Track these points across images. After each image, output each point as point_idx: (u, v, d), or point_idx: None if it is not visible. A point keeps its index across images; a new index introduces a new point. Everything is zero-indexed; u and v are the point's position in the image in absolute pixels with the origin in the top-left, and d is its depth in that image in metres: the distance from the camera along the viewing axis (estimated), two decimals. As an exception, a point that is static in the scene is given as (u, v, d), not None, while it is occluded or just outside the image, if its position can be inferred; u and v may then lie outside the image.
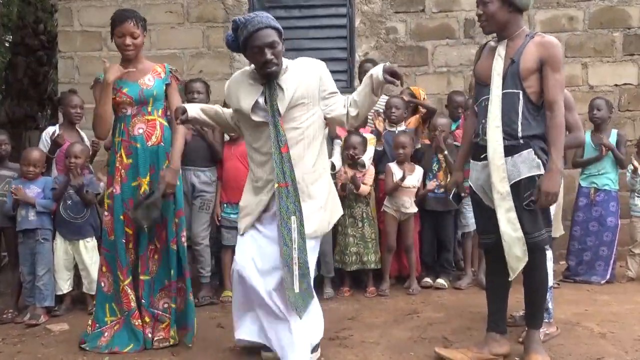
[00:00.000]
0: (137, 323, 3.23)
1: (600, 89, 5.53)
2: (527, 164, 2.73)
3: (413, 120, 4.83)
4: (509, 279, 2.82)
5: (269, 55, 2.75)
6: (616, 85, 5.59)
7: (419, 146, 4.64)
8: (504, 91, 2.76)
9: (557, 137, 2.70)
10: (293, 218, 2.76)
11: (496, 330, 2.92)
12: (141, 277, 3.28)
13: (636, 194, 4.71)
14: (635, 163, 4.62)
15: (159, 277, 3.33)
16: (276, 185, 2.78)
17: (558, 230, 4.42)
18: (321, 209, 2.88)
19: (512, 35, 2.81)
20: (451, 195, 3.65)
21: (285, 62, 2.88)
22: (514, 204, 2.72)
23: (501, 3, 2.75)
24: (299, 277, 2.75)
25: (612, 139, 4.65)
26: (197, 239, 4.29)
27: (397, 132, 4.57)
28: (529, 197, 2.71)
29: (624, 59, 5.58)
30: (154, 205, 3.14)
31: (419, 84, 5.65)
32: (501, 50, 2.81)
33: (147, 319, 3.27)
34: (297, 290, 2.75)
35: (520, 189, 2.72)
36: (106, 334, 3.26)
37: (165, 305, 3.33)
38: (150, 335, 3.25)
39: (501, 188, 2.73)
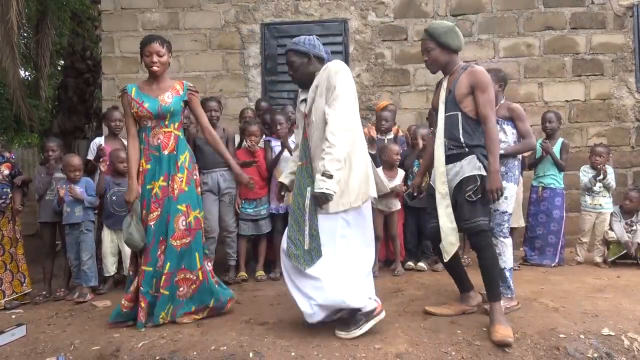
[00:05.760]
0: (124, 304, 3.08)
1: (554, 104, 5.54)
2: (470, 166, 2.85)
3: (393, 130, 4.80)
4: (444, 260, 2.95)
5: (289, 71, 2.98)
6: (567, 101, 5.59)
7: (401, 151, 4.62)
8: (447, 114, 2.92)
9: (492, 145, 2.80)
10: (309, 189, 2.73)
11: (466, 290, 3.15)
12: (142, 267, 3.08)
13: (587, 193, 4.70)
14: (609, 168, 4.61)
15: (162, 269, 3.06)
16: (299, 163, 2.88)
17: (517, 222, 4.42)
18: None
19: (452, 70, 2.97)
20: (406, 193, 3.73)
21: (324, 66, 2.84)
22: (458, 196, 2.85)
23: (440, 49, 2.92)
24: (309, 237, 2.69)
25: (558, 146, 4.64)
26: (229, 228, 4.30)
27: (385, 140, 4.57)
28: (469, 190, 2.82)
29: (573, 79, 5.59)
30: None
31: (403, 100, 5.66)
32: (444, 84, 3.00)
33: (142, 305, 3.04)
34: (306, 247, 2.69)
35: (463, 185, 2.84)
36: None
37: (167, 292, 3.07)
38: (142, 319, 3.02)
39: (442, 190, 2.89)
